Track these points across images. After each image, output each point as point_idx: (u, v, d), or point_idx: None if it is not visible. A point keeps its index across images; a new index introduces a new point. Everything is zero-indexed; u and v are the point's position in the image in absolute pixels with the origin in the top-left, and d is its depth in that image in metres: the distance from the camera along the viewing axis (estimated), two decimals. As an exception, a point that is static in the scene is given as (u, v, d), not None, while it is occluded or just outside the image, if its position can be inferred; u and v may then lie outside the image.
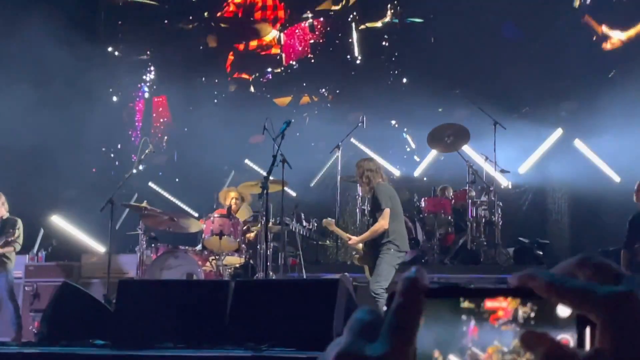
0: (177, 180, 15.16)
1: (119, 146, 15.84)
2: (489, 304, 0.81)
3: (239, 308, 7.26)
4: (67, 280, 8.62)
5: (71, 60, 13.46)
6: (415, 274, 0.82)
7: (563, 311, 0.78)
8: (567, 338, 0.78)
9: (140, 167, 10.84)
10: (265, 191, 8.45)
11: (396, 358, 0.76)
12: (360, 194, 10.87)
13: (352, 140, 12.77)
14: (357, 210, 11.08)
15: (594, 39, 13.97)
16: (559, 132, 13.45)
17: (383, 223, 8.27)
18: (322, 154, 13.42)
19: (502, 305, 0.81)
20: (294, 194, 12.42)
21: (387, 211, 8.30)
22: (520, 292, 0.80)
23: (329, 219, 9.24)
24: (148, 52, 16.11)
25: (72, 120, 14.13)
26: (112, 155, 15.75)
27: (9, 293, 10.04)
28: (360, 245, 8.71)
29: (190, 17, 16.27)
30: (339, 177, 11.56)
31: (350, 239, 8.79)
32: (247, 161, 13.40)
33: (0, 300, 10.25)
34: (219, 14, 16.24)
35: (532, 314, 0.80)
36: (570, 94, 13.36)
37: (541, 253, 11.17)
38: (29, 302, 10.54)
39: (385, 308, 0.82)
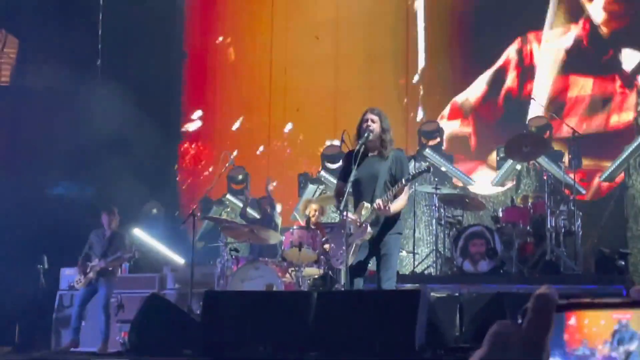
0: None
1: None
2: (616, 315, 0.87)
3: (321, 319, 7.35)
4: (155, 292, 8.88)
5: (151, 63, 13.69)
6: (549, 293, 0.89)
7: None
8: None
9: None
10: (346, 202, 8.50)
11: None
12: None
13: (428, 151, 12.76)
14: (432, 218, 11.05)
15: None
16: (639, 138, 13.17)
17: (406, 198, 7.07)
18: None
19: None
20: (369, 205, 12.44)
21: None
22: None
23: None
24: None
25: (154, 134, 14.31)
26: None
27: (105, 305, 10.29)
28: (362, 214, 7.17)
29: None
30: (415, 185, 11.59)
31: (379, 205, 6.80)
32: (322, 172, 13.51)
33: (93, 310, 10.49)
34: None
35: None
36: None
37: (623, 263, 10.96)
38: (114, 313, 10.81)
39: (520, 320, 0.89)
